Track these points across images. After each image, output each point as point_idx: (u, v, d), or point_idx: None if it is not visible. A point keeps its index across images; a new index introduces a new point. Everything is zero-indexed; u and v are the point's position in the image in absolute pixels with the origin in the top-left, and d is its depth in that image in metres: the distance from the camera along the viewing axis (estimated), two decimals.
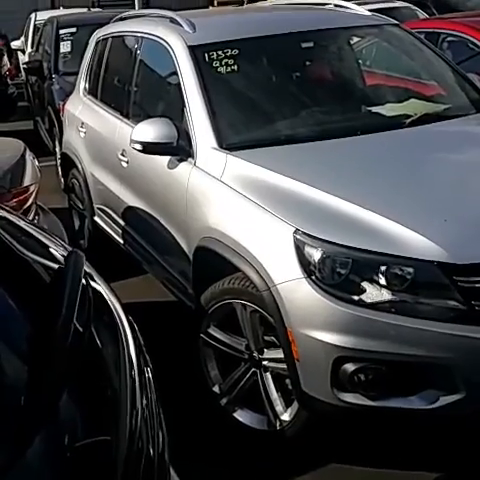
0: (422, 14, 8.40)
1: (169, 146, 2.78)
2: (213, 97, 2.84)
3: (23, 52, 10.67)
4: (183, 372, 2.92)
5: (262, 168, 2.50)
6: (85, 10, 9.04)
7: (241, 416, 2.55)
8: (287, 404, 2.40)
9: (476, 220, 2.14)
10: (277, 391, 2.42)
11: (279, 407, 2.42)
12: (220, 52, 2.97)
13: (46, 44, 7.05)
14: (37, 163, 3.45)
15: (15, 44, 11.26)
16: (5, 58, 8.51)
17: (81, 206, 4.24)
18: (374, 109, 2.95)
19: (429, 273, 2.01)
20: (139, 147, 2.84)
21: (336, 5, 3.55)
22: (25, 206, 3.09)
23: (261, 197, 2.39)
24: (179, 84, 2.95)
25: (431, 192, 2.29)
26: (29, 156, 3.37)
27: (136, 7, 9.71)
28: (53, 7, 13.62)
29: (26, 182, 3.16)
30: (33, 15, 10.71)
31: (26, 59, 9.26)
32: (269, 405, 2.44)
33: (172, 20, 3.26)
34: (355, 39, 3.50)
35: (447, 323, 1.98)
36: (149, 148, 2.83)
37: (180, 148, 2.79)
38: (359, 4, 5.48)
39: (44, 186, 3.79)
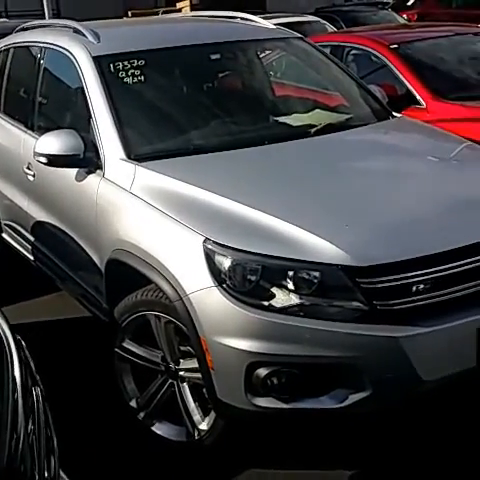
0: (331, 28, 8.72)
1: (76, 158, 2.73)
2: (120, 108, 2.81)
3: None
4: (100, 388, 2.86)
5: (171, 178, 2.50)
6: None
7: (159, 429, 2.53)
8: (205, 413, 2.40)
9: (376, 224, 2.23)
10: (195, 401, 2.42)
11: (197, 417, 2.42)
12: (126, 62, 2.95)
13: None
14: None
15: None
16: None
17: None
18: (281, 119, 3.03)
19: (334, 276, 2.07)
20: (44, 160, 2.77)
21: (243, 18, 3.62)
22: None
23: (171, 207, 2.38)
24: (84, 95, 2.90)
25: (335, 198, 2.37)
26: None
27: (46, 17, 9.46)
28: None
29: None
30: None
31: None
32: (187, 416, 2.43)
33: (76, 30, 3.21)
34: (262, 51, 3.57)
35: (352, 323, 2.05)
36: (54, 161, 2.76)
37: (88, 160, 2.74)
38: (269, 18, 5.59)
39: None
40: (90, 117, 2.84)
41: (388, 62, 4.28)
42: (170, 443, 2.49)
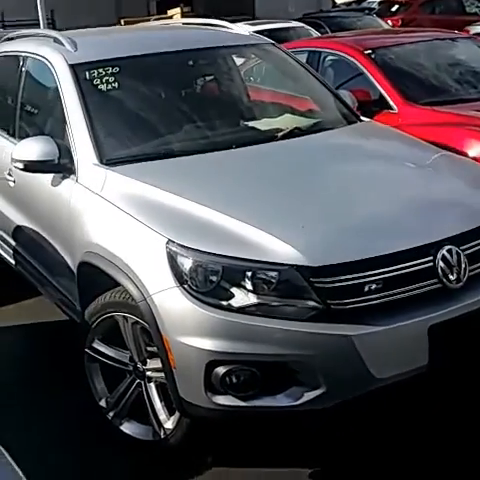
0: (315, 33, 8.81)
1: (50, 164, 2.80)
2: (94, 114, 2.88)
3: None
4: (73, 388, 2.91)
5: (138, 182, 2.56)
6: None
7: (128, 428, 2.58)
8: (170, 412, 2.44)
9: (332, 225, 2.28)
10: (161, 400, 2.47)
11: (163, 416, 2.46)
12: (100, 70, 3.02)
13: None
14: None
15: None
16: None
17: None
18: (251, 123, 3.09)
19: (290, 276, 2.12)
20: (21, 165, 2.84)
21: (219, 25, 3.70)
22: None
23: (137, 210, 2.44)
24: (61, 101, 2.97)
25: (294, 200, 2.42)
26: None
27: (41, 27, 9.55)
28: None
29: None
30: None
31: None
32: (153, 415, 2.48)
33: (55, 40, 3.29)
34: (237, 57, 3.65)
35: (307, 322, 2.09)
36: (30, 166, 2.83)
37: (62, 165, 2.81)
38: (255, 24, 5.66)
39: None
40: (65, 123, 2.91)
41: (362, 67, 4.33)
42: (138, 442, 2.55)
